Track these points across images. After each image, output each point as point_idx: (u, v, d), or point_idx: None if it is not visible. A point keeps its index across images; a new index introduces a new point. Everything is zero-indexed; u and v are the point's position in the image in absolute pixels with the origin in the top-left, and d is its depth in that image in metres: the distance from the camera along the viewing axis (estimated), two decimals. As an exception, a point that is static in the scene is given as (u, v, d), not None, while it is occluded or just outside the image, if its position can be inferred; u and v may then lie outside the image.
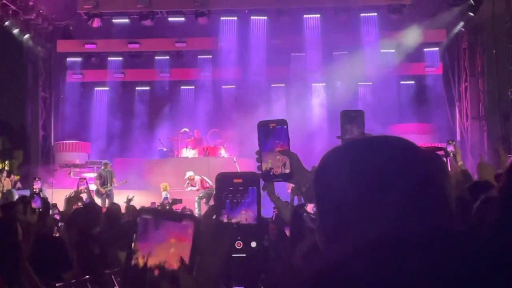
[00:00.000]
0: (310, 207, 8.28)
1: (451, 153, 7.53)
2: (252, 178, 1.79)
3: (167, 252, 1.68)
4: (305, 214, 7.40)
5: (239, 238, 1.72)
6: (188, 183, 19.86)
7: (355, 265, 1.06)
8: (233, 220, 1.74)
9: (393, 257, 1.03)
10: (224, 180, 1.78)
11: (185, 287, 1.65)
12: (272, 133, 2.44)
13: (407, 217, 1.23)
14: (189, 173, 19.89)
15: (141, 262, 1.66)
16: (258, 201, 1.76)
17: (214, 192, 1.79)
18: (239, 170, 19.49)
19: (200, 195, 19.32)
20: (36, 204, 6.60)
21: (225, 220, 1.73)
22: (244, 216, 1.74)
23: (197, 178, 19.75)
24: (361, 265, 1.05)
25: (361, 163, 1.32)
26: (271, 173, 2.45)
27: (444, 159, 5.83)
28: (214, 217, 1.77)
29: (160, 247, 1.69)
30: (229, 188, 1.75)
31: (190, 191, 19.67)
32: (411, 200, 1.25)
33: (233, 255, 1.71)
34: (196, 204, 19.12)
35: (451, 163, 6.73)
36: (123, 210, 10.44)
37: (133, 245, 1.69)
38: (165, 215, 1.74)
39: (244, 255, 1.72)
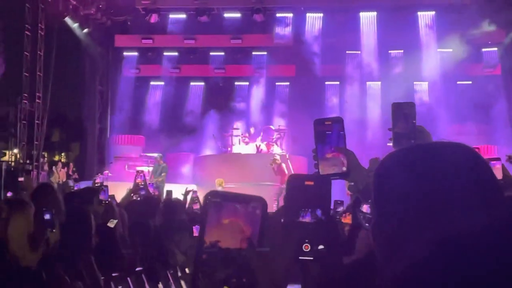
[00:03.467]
0: (366, 207, 8.20)
1: None
2: (324, 180, 1.78)
3: (236, 233, 1.71)
4: (360, 213, 7.31)
5: (306, 240, 1.72)
6: (272, 164, 19.63)
7: (434, 263, 1.07)
8: (301, 221, 1.73)
9: (472, 253, 1.04)
10: (295, 182, 1.78)
11: (255, 266, 1.67)
12: (327, 135, 2.46)
13: (477, 213, 1.27)
14: (277, 157, 19.79)
15: (211, 244, 1.69)
16: (327, 204, 1.76)
17: (284, 193, 1.79)
18: (291, 167, 19.56)
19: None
20: (103, 196, 6.76)
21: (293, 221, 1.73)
22: (313, 218, 1.73)
23: (283, 166, 19.48)
24: (440, 263, 1.07)
25: (425, 165, 1.36)
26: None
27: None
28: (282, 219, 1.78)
29: (229, 229, 1.72)
30: (298, 191, 1.75)
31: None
32: (476, 196, 1.30)
33: (299, 257, 1.71)
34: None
35: (504, 168, 6.61)
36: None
37: (203, 228, 1.72)
38: (233, 198, 1.76)
39: (311, 258, 1.71)
